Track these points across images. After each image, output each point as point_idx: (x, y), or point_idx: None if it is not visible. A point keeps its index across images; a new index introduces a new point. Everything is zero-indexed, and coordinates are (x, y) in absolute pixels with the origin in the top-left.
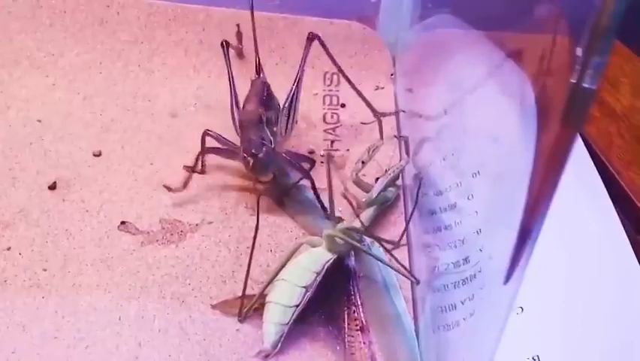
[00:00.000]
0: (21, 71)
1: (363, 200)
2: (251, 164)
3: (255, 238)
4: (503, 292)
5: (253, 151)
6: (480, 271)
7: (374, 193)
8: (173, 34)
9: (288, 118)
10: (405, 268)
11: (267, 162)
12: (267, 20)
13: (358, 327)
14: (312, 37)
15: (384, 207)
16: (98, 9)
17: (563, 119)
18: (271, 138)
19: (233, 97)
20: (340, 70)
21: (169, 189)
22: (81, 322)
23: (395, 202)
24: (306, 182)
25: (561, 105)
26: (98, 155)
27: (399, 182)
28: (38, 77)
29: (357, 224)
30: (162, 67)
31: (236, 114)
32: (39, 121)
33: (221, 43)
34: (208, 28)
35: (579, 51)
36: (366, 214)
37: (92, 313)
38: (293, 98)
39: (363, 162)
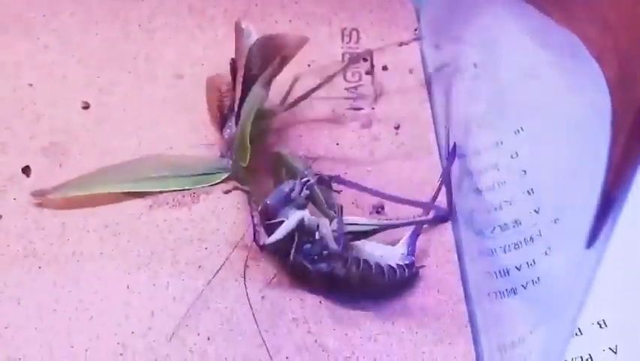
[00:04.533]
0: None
1: None
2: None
3: None
4: (585, 257)
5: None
6: (540, 235)
7: None
8: None
9: None
10: None
11: None
12: None
13: None
14: None
15: None
16: None
17: None
18: None
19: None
20: None
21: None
22: (84, 292)
23: None
24: None
25: None
26: (86, 107)
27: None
28: (29, 40)
29: None
30: (164, 26)
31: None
32: (30, 85)
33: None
34: None
35: None
36: None
37: (96, 283)
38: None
39: None
